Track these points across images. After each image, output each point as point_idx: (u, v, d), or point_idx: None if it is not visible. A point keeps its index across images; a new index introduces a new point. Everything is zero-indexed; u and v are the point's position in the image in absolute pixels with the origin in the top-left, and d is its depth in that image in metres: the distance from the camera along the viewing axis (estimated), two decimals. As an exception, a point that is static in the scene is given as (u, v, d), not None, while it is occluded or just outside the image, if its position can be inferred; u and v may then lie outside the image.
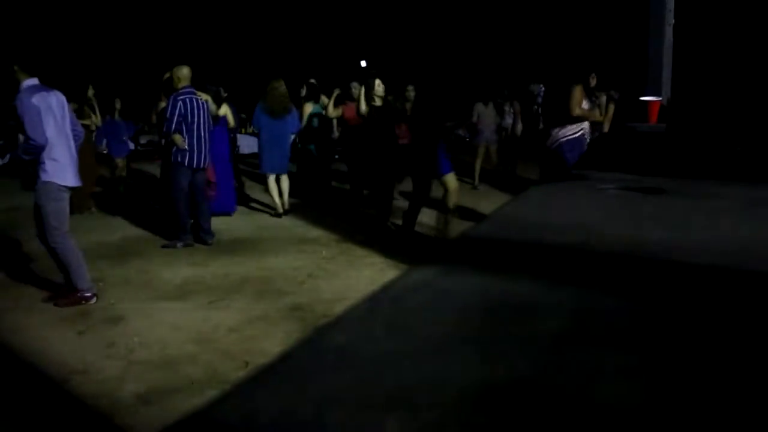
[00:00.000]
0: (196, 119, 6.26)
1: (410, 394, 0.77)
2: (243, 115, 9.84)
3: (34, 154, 4.28)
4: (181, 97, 6.19)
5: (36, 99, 4.22)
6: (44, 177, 4.31)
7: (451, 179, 6.45)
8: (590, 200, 2.32)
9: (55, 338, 3.83)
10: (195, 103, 6.26)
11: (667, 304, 1.14)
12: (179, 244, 6.22)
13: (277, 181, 8.06)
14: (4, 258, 5.89)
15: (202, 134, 6.34)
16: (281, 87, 7.97)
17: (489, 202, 8.26)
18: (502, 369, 0.85)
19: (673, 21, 4.94)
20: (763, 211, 2.11)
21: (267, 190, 8.15)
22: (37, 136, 4.17)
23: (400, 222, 6.83)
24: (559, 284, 1.24)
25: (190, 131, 6.24)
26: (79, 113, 8.30)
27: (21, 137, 4.53)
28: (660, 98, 4.65)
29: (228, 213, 7.86)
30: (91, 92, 9.27)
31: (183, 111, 6.16)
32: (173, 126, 6.15)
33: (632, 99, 8.22)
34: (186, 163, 6.26)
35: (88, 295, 4.48)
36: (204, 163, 6.43)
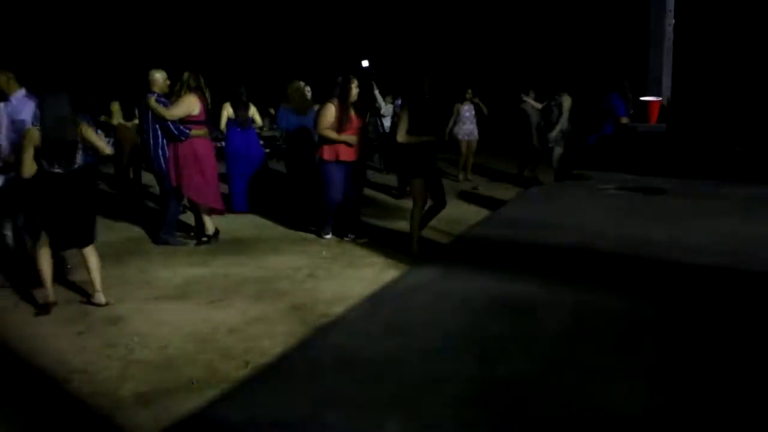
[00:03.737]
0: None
1: (410, 394, 0.76)
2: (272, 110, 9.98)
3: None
4: None
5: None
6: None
7: None
8: (590, 200, 2.32)
9: (55, 338, 3.83)
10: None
11: (667, 303, 1.14)
12: (170, 240, 6.26)
13: None
14: (4, 257, 5.88)
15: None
16: (301, 86, 8.25)
17: (489, 202, 8.26)
18: (502, 369, 0.85)
19: (673, 21, 4.95)
20: (763, 211, 2.11)
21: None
22: None
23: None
24: (559, 284, 1.24)
25: None
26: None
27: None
28: (660, 98, 4.66)
29: None
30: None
31: None
32: None
33: (632, 99, 8.23)
34: None
35: None
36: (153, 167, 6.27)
